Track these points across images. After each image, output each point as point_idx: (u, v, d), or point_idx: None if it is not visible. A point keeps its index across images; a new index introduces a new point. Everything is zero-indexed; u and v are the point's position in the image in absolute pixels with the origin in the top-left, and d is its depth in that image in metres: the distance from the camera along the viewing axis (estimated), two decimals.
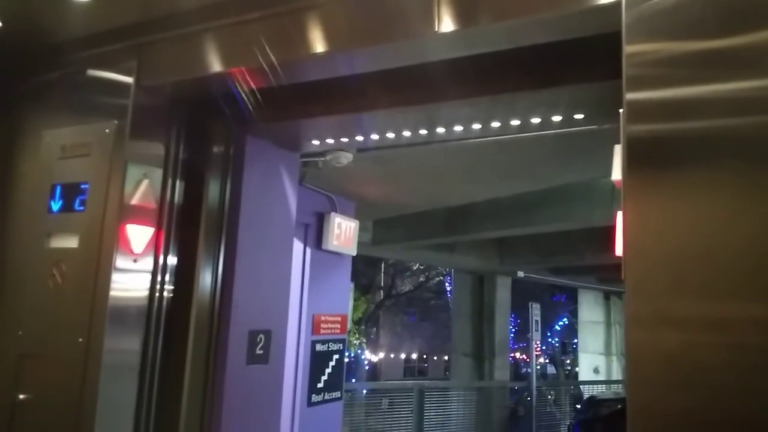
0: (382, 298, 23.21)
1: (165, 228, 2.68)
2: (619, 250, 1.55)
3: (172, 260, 2.74)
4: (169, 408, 2.63)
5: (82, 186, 2.63)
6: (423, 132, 2.83)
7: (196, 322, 2.72)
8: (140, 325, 2.60)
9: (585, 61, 2.06)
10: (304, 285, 4.36)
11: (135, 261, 2.57)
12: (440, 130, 2.78)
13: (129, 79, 2.63)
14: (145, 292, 2.63)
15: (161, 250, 2.66)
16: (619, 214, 1.54)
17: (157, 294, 2.64)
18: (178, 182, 2.77)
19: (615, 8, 1.64)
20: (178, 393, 2.65)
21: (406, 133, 2.87)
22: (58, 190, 2.70)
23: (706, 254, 1.38)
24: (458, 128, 2.74)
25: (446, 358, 23.63)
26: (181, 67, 2.56)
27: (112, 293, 2.47)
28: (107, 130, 2.62)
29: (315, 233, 4.49)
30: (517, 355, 24.45)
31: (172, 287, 2.73)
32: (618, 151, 1.65)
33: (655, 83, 1.54)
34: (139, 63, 2.62)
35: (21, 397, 2.55)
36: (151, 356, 2.59)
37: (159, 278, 2.65)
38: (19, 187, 2.93)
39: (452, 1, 1.95)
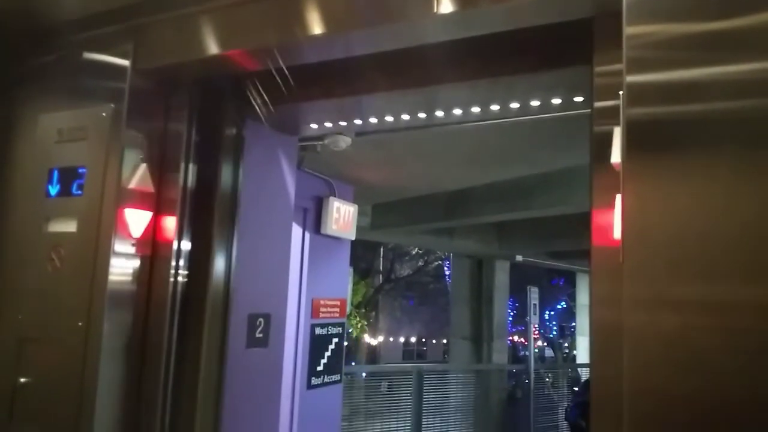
0: (381, 282, 23.28)
1: (178, 213, 2.68)
2: (617, 234, 1.55)
3: (186, 245, 2.73)
4: (184, 391, 2.65)
5: (80, 170, 2.62)
6: (422, 115, 2.81)
7: (209, 307, 2.73)
8: (140, 309, 2.61)
9: (584, 43, 2.04)
10: (303, 269, 4.37)
11: (133, 245, 2.57)
12: (439, 113, 2.76)
13: (125, 62, 2.61)
14: (145, 276, 2.63)
15: (173, 234, 2.66)
16: (618, 197, 1.54)
17: (171, 279, 2.63)
18: (178, 166, 2.74)
19: None
20: (194, 376, 2.66)
21: (405, 117, 2.85)
22: (56, 174, 2.69)
23: (706, 237, 1.38)
24: (457, 111, 2.73)
25: (445, 341, 23.78)
26: (177, 49, 2.53)
27: (111, 277, 2.47)
28: (104, 114, 2.61)
29: (314, 217, 4.49)
30: (516, 338, 24.59)
31: (186, 272, 2.73)
32: (617, 134, 1.64)
33: (655, 65, 1.53)
34: (136, 45, 2.60)
35: (21, 380, 2.57)
36: (166, 340, 2.60)
37: (173, 263, 2.64)
38: (16, 171, 2.92)
39: None
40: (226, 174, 2.84)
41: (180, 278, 2.67)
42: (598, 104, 1.91)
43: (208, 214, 2.76)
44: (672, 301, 1.40)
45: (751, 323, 1.30)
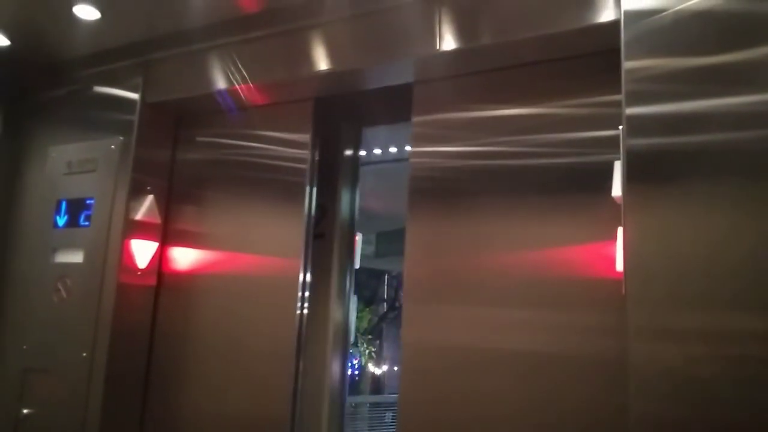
0: (385, 310, 23.09)
1: (303, 245, 2.43)
2: (619, 265, 1.57)
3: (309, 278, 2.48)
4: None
5: (88, 201, 2.66)
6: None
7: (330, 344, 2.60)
8: (144, 341, 2.62)
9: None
10: None
11: (139, 276, 2.59)
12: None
13: (135, 96, 2.67)
14: (150, 307, 2.64)
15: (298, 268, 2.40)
16: (620, 229, 1.55)
17: (297, 312, 2.36)
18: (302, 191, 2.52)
19: (614, 26, 1.66)
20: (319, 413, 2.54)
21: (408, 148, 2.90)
22: (64, 205, 2.73)
23: (706, 267, 1.39)
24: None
25: None
26: (186, 84, 2.59)
27: (116, 308, 2.48)
28: (113, 146, 2.65)
29: None
30: None
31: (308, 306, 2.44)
32: (618, 166, 1.67)
33: (654, 98, 1.56)
34: (145, 80, 2.66)
35: (25, 411, 2.56)
36: (293, 377, 2.33)
37: (299, 295, 2.36)
38: (26, 202, 2.96)
39: (453, 20, 1.99)
40: (345, 199, 2.74)
41: (305, 312, 2.42)
42: (413, 152, 2.24)
43: (328, 243, 2.63)
44: (674, 330, 1.40)
45: (752, 351, 1.31)
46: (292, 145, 2.49)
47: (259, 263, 2.47)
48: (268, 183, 2.53)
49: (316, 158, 2.50)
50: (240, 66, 2.43)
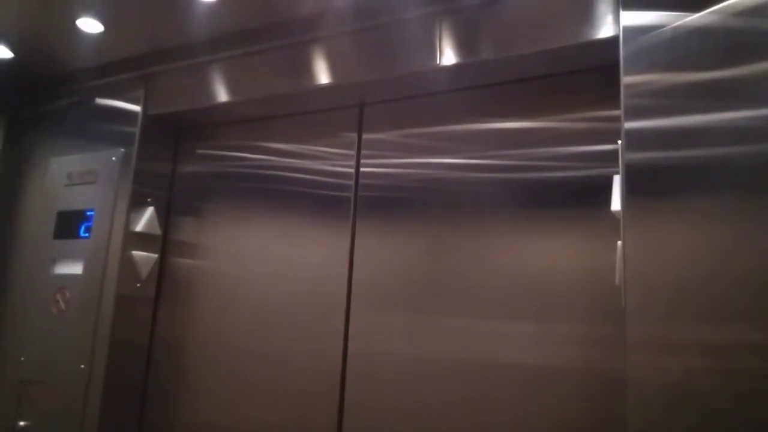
0: None
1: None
2: (618, 279, 1.57)
3: None
4: None
5: (88, 213, 2.66)
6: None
7: None
8: (142, 353, 2.61)
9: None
10: None
11: (139, 288, 2.59)
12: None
13: (136, 108, 2.68)
14: (149, 319, 2.64)
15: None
16: (618, 244, 1.56)
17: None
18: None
19: (613, 42, 1.68)
20: None
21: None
22: (64, 216, 2.73)
23: (706, 281, 1.39)
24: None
25: None
26: (188, 96, 2.60)
27: (115, 320, 2.48)
28: (114, 158, 2.66)
29: None
30: None
31: None
32: (617, 181, 1.67)
33: (653, 113, 1.57)
34: (147, 92, 2.67)
35: (22, 423, 2.55)
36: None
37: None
38: (26, 212, 2.96)
39: (453, 35, 2.01)
40: None
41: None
42: (362, 170, 2.34)
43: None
44: (674, 344, 1.40)
45: (752, 365, 1.31)
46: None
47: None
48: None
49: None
50: (240, 79, 2.45)
